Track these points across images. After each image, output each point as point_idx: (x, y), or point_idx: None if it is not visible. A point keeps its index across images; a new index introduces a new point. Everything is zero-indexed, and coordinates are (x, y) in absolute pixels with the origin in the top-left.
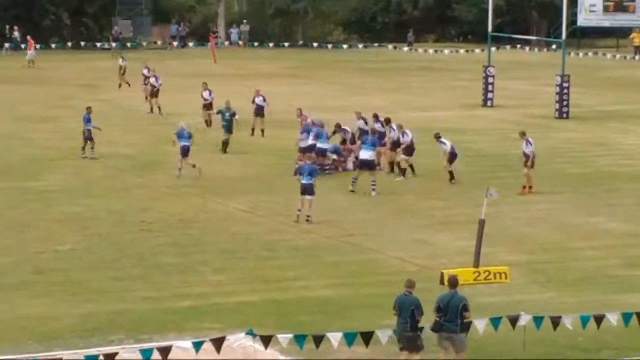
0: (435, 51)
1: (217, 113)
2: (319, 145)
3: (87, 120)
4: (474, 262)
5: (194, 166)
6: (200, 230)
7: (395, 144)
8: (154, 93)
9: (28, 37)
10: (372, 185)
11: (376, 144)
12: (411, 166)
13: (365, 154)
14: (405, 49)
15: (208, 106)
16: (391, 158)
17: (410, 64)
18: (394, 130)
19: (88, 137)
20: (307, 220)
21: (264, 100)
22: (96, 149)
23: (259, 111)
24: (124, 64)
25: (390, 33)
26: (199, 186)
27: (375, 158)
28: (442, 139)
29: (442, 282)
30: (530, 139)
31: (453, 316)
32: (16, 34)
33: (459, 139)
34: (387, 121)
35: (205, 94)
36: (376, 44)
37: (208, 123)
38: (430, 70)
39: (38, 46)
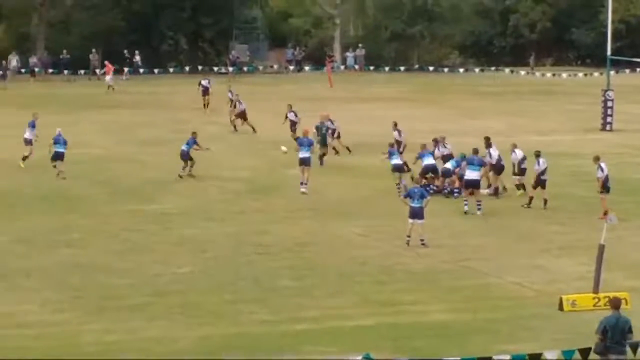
0: (553, 75)
1: (315, 129)
2: (447, 165)
3: (187, 143)
4: (593, 288)
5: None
6: (317, 254)
7: (496, 166)
8: (241, 115)
9: (106, 62)
10: (478, 205)
11: (482, 164)
12: (517, 186)
13: (472, 174)
14: (523, 72)
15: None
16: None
17: (528, 87)
18: (491, 153)
19: (186, 158)
20: (422, 244)
21: (296, 115)
22: (209, 171)
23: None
24: (207, 85)
25: (507, 57)
26: (315, 209)
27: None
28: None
29: (560, 308)
30: (602, 164)
31: (619, 337)
32: (137, 57)
33: (577, 163)
34: (487, 142)
35: (291, 116)
36: (493, 68)
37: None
38: (548, 94)
39: (156, 70)
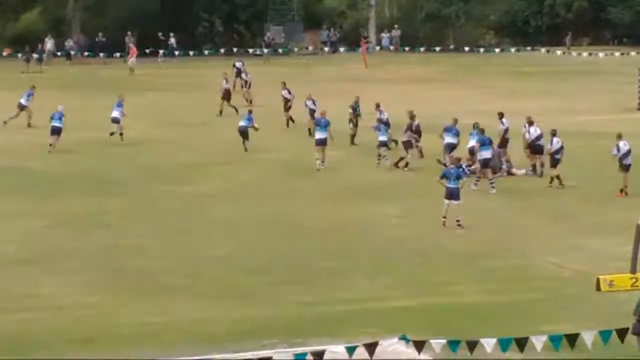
0: (590, 54)
1: (349, 108)
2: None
3: (247, 119)
4: (630, 268)
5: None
6: (353, 236)
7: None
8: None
9: (130, 45)
10: (492, 184)
11: (491, 142)
12: (534, 166)
13: (487, 153)
14: (559, 52)
15: (288, 106)
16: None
17: (565, 67)
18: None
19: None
20: (459, 225)
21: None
22: (251, 154)
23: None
24: (240, 67)
25: (543, 36)
26: (351, 191)
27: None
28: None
29: (598, 289)
30: (620, 143)
31: None
32: (172, 40)
33: (614, 143)
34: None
35: (284, 93)
36: (529, 48)
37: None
38: (585, 74)
39: (191, 53)
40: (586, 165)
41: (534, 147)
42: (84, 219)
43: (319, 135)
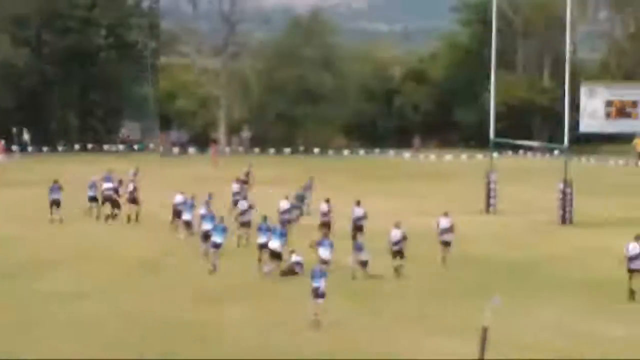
0: (437, 157)
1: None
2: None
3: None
4: None
5: None
6: (201, 335)
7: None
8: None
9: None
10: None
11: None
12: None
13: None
14: (407, 154)
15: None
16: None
17: (413, 169)
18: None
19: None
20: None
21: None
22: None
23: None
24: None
25: (392, 138)
26: (200, 291)
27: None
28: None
29: None
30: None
31: None
32: (26, 136)
33: (460, 245)
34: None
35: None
36: (377, 150)
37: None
38: (433, 176)
39: (44, 148)
40: (431, 267)
41: (355, 224)
42: None
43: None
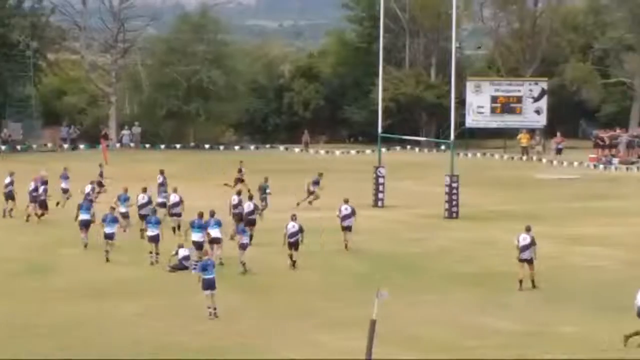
0: (327, 152)
1: (258, 189)
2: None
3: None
4: None
5: None
6: (93, 333)
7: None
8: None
9: None
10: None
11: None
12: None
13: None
14: (297, 150)
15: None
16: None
17: (303, 165)
18: None
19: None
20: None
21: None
22: None
23: None
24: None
25: (282, 134)
26: (93, 289)
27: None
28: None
29: None
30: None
31: None
32: None
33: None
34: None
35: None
36: (268, 145)
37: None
38: (322, 171)
39: None
40: (323, 259)
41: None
42: None
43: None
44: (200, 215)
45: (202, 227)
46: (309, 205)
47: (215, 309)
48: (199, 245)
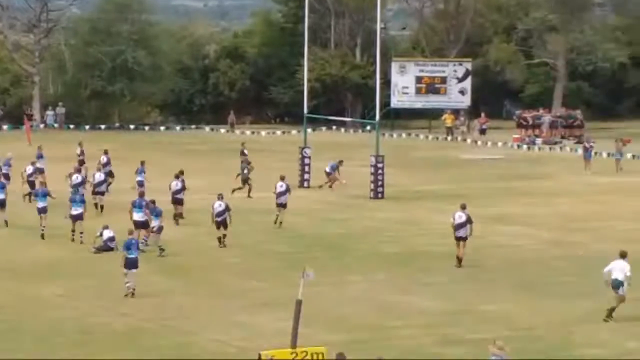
0: (253, 132)
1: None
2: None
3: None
4: (291, 343)
5: None
6: (15, 316)
7: None
8: None
9: None
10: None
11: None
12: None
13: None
14: (223, 130)
15: None
16: None
17: (229, 145)
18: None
19: None
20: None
21: None
22: None
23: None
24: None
25: (208, 114)
26: (10, 270)
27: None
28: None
29: None
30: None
31: None
32: None
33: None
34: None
35: None
36: (193, 126)
37: None
38: (248, 152)
39: None
40: (252, 240)
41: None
42: None
43: (40, 204)
44: (141, 194)
45: (143, 207)
46: (329, 188)
47: (134, 289)
48: (141, 224)
